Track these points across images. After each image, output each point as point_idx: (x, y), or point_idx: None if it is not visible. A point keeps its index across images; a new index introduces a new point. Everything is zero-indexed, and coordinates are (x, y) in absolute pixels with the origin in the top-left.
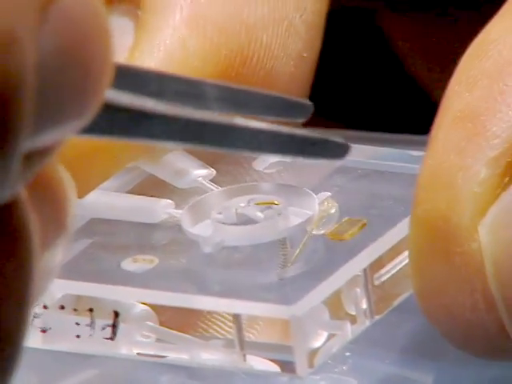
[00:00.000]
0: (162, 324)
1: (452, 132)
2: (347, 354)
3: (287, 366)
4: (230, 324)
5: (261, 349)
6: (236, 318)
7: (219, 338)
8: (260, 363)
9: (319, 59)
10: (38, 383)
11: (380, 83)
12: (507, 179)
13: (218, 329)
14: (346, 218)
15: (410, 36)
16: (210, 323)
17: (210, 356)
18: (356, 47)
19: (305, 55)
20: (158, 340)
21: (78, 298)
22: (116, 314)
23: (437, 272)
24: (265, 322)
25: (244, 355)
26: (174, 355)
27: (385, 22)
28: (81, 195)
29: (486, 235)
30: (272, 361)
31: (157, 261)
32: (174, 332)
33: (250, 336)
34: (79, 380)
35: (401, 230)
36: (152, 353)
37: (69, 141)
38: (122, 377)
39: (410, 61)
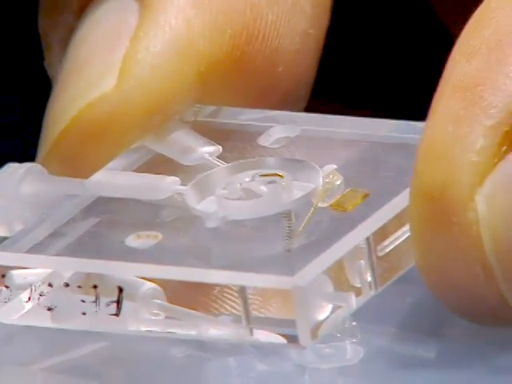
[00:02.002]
0: (169, 302)
1: (450, 102)
2: (353, 323)
3: (292, 339)
4: (239, 301)
5: (267, 323)
6: (241, 291)
7: (227, 315)
8: (267, 336)
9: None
10: (42, 354)
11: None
12: (505, 148)
13: (227, 306)
14: (349, 189)
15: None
16: (218, 301)
17: (218, 331)
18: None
19: (310, 32)
20: (166, 317)
21: (85, 276)
22: (120, 290)
23: (436, 243)
24: (274, 299)
25: (251, 329)
26: (182, 331)
27: None
28: (87, 175)
29: (483, 204)
30: (278, 334)
31: (160, 236)
32: (183, 309)
33: (259, 312)
34: (87, 351)
35: (403, 199)
36: (160, 330)
37: (74, 121)
38: (131, 348)
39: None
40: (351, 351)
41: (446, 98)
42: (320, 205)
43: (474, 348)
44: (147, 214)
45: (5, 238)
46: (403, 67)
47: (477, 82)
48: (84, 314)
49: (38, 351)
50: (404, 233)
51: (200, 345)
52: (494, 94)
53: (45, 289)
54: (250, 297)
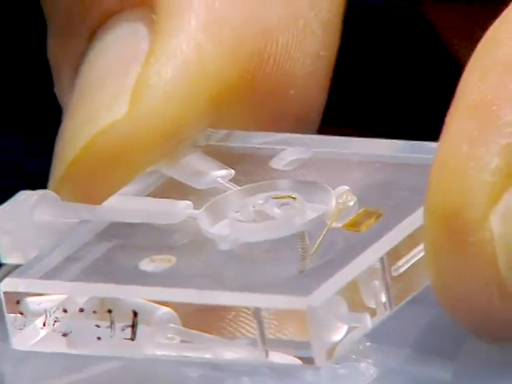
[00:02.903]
0: (184, 326)
1: (464, 121)
2: (367, 343)
3: (308, 360)
4: (254, 325)
5: (283, 345)
6: (256, 312)
7: (242, 338)
8: (282, 358)
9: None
10: (55, 374)
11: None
12: None
13: (242, 330)
14: (362, 210)
15: (459, 28)
16: (233, 324)
17: (233, 354)
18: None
19: (322, 54)
20: (181, 341)
21: (100, 301)
22: (135, 314)
23: (451, 263)
24: (290, 323)
25: (266, 351)
26: (197, 355)
27: (432, 13)
28: (100, 201)
29: (498, 224)
30: (294, 356)
31: (174, 260)
32: (198, 332)
33: (273, 335)
34: (100, 371)
35: (417, 219)
36: (175, 354)
37: (86, 147)
38: (145, 368)
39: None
40: (365, 372)
41: (459, 118)
42: (333, 225)
43: (489, 368)
44: (161, 237)
45: (19, 266)
46: (411, 91)
47: (491, 101)
48: (99, 338)
49: (52, 371)
50: (418, 252)
51: (214, 365)
52: (509, 112)
53: (59, 314)
54: (266, 320)
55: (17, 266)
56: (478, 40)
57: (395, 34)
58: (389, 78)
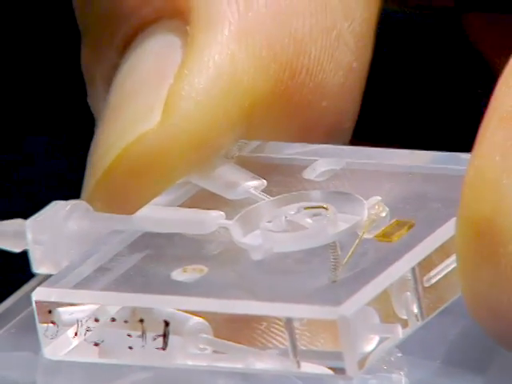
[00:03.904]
0: (216, 336)
1: (498, 132)
2: (399, 354)
3: (339, 371)
4: (286, 336)
5: (314, 356)
6: (288, 323)
7: (274, 348)
8: (314, 369)
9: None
10: (94, 381)
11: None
12: None
13: (274, 341)
14: (394, 220)
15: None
16: (265, 335)
17: (264, 365)
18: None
19: (354, 65)
20: (213, 351)
21: (132, 311)
22: (166, 324)
23: (483, 274)
24: (322, 334)
25: (298, 362)
26: (228, 365)
27: (467, 24)
28: (132, 211)
29: None
30: (326, 367)
31: (206, 270)
32: (229, 343)
33: (305, 346)
34: (133, 380)
35: (448, 230)
36: (206, 364)
37: (120, 158)
38: (175, 378)
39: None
40: (397, 383)
41: (493, 129)
42: (365, 236)
43: None
44: (193, 248)
45: (51, 275)
46: (444, 102)
47: None
48: (131, 348)
49: (84, 380)
50: (450, 263)
51: (245, 376)
52: None
53: (91, 324)
54: (298, 332)
55: (49, 276)
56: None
57: (429, 45)
58: (422, 89)
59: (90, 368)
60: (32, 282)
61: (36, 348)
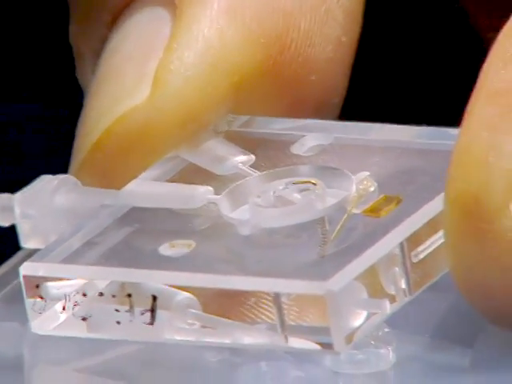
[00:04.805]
0: (204, 312)
1: (485, 108)
2: (386, 329)
3: (327, 346)
4: (274, 311)
5: (302, 331)
6: (276, 298)
7: (262, 323)
8: (302, 344)
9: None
10: (76, 355)
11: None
12: None
13: (262, 316)
14: (383, 195)
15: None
16: (253, 310)
17: (252, 340)
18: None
19: (343, 40)
20: (201, 326)
21: (120, 286)
22: (154, 299)
23: (470, 250)
24: (310, 310)
25: (286, 336)
26: (217, 340)
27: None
28: (120, 186)
29: None
30: (313, 342)
31: (194, 245)
32: (218, 318)
33: (293, 321)
34: (120, 354)
35: (437, 205)
36: (195, 339)
37: (107, 132)
38: (164, 352)
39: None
40: (384, 358)
41: (480, 104)
42: (353, 211)
43: (508, 356)
44: (181, 222)
45: (38, 250)
46: (433, 74)
47: None
48: (118, 323)
49: (73, 352)
50: (438, 239)
51: (233, 350)
52: None
53: (79, 299)
54: (286, 307)
55: (36, 251)
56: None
57: (419, 17)
58: (411, 64)
59: (77, 340)
60: (18, 255)
61: (23, 320)
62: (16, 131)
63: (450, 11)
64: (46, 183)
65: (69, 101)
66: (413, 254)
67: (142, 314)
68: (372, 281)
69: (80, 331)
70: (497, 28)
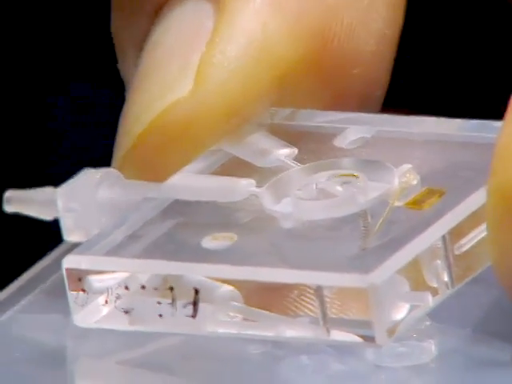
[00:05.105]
0: (246, 304)
1: None
2: (428, 323)
3: (369, 339)
4: (316, 304)
5: (345, 324)
6: (318, 290)
7: (304, 316)
8: (344, 336)
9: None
10: (118, 348)
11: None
12: None
13: (305, 309)
14: (425, 188)
15: None
16: (296, 304)
17: (294, 333)
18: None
19: (386, 33)
20: (243, 319)
21: (162, 279)
22: (196, 292)
23: None
24: (353, 303)
25: (327, 329)
26: (259, 333)
27: None
28: (163, 179)
29: None
30: (356, 335)
31: (236, 238)
32: (260, 310)
33: (336, 315)
34: (162, 346)
35: (480, 197)
36: (237, 332)
37: (151, 125)
38: (206, 344)
39: None
40: (426, 351)
41: None
42: (396, 204)
43: None
44: (223, 215)
45: (81, 243)
46: (477, 66)
47: None
48: (161, 316)
49: (114, 345)
50: (481, 231)
51: (275, 343)
52: None
53: (121, 292)
54: (328, 300)
55: (79, 244)
56: None
57: (463, 11)
58: (454, 56)
59: (119, 333)
60: (61, 248)
61: (66, 313)
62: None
63: (495, 3)
64: (88, 177)
65: (114, 92)
66: (455, 246)
67: (185, 306)
68: (414, 274)
69: (122, 324)
70: None
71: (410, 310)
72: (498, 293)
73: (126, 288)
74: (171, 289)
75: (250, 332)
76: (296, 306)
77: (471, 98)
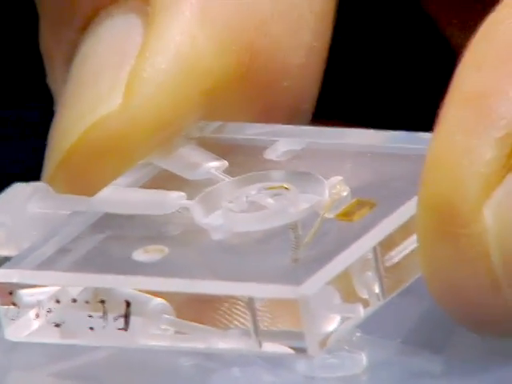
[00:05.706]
0: (178, 317)
1: (459, 113)
2: (359, 334)
3: (301, 350)
4: (248, 316)
5: (276, 336)
6: (249, 302)
7: (235, 328)
8: (275, 348)
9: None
10: (48, 360)
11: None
12: None
13: (236, 322)
14: (355, 200)
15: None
16: (227, 316)
17: (226, 345)
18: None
19: (315, 45)
20: (175, 332)
21: (93, 292)
22: (128, 304)
23: (443, 254)
24: (284, 316)
25: (259, 342)
26: (191, 345)
27: (430, 4)
28: (93, 193)
29: (491, 217)
30: (287, 347)
31: (167, 250)
32: (191, 323)
33: (267, 328)
34: (93, 358)
35: (410, 209)
36: (169, 344)
37: (80, 139)
38: (138, 356)
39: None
40: (357, 362)
41: (454, 109)
42: (326, 216)
43: (479, 360)
44: (153, 228)
45: (11, 257)
46: (402, 80)
47: (486, 93)
48: (92, 329)
49: (44, 357)
50: (411, 243)
51: (207, 355)
52: (504, 105)
53: (52, 305)
54: (260, 313)
55: (9, 258)
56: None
57: (390, 23)
58: (382, 68)
59: (50, 346)
60: None
61: None
62: None
63: (419, 18)
64: (19, 190)
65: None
66: (386, 258)
67: (116, 319)
68: (345, 285)
69: (54, 338)
70: (464, 31)
71: (342, 322)
72: (429, 304)
73: (57, 301)
74: (102, 302)
75: (181, 344)
76: (227, 319)
77: (401, 110)
